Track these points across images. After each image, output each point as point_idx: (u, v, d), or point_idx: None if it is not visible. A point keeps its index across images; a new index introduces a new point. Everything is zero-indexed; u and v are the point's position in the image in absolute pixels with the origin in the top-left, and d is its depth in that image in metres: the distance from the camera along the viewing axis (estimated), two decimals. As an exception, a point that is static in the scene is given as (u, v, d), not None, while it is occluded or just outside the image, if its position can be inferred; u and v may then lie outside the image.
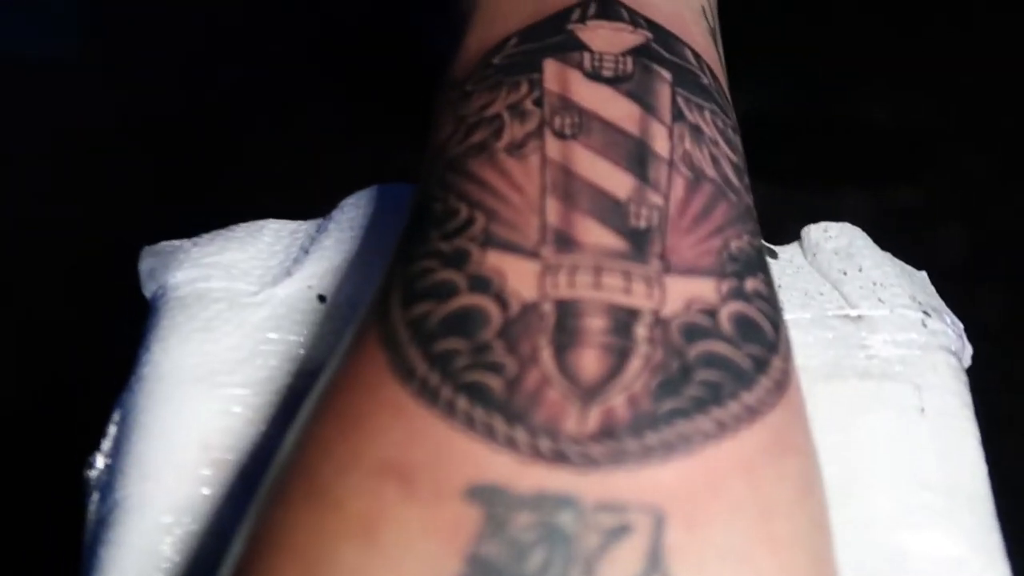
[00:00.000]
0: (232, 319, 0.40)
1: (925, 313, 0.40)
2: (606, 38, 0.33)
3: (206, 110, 0.92)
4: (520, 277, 0.26)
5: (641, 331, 0.26)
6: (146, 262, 0.43)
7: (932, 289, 0.43)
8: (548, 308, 0.26)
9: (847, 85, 0.96)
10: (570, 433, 0.24)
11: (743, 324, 0.27)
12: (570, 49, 0.32)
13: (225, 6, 0.96)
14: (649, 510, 0.24)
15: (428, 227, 0.29)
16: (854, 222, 0.45)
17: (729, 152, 0.31)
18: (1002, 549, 0.36)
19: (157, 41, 0.96)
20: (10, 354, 0.80)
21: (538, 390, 0.24)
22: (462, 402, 0.24)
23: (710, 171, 0.30)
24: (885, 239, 0.44)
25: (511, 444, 0.24)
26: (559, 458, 0.24)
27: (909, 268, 0.44)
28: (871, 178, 0.92)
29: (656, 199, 0.28)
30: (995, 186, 0.94)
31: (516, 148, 0.29)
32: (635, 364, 0.25)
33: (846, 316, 0.40)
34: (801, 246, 0.44)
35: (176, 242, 0.44)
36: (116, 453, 0.37)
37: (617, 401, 0.24)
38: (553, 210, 0.28)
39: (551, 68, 0.32)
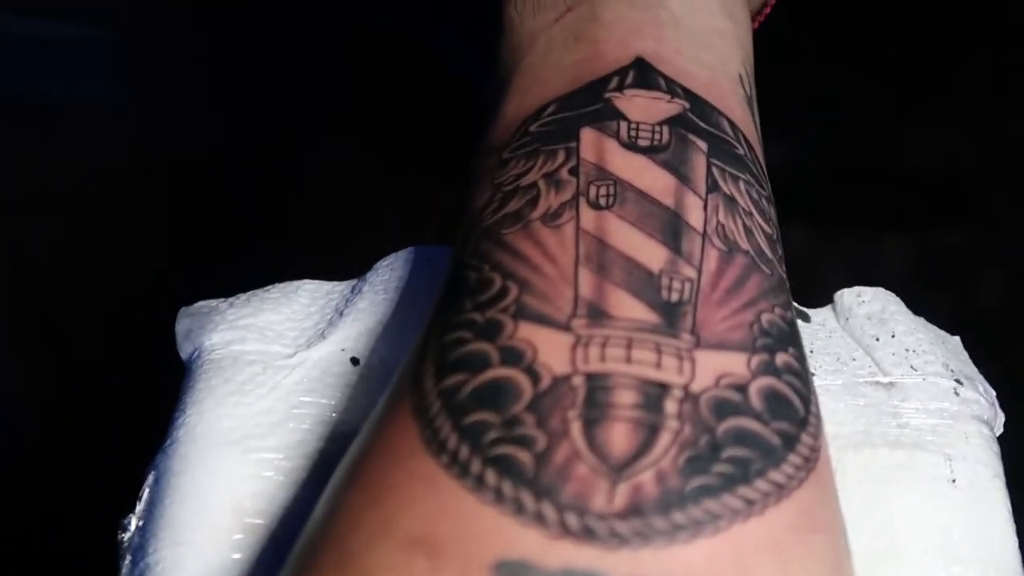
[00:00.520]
0: (266, 382, 0.40)
1: (958, 381, 0.40)
2: (643, 107, 0.33)
3: (244, 160, 0.93)
4: (551, 350, 0.27)
5: (671, 406, 0.26)
6: (182, 323, 0.43)
7: (965, 356, 0.43)
8: (579, 381, 0.26)
9: (890, 131, 0.96)
10: (598, 510, 0.24)
11: (773, 400, 0.27)
12: (607, 118, 0.32)
13: (260, 55, 0.97)
14: None
15: (462, 296, 0.29)
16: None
17: (763, 223, 0.32)
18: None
19: (193, 93, 0.97)
20: (48, 407, 0.81)
21: (567, 465, 0.25)
22: (491, 476, 0.25)
23: (743, 243, 0.30)
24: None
25: (539, 520, 0.24)
26: (587, 535, 0.24)
27: (943, 333, 0.43)
28: (913, 223, 0.92)
29: (689, 272, 0.29)
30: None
31: (551, 218, 0.30)
32: (664, 440, 0.25)
33: (878, 383, 0.40)
34: (834, 309, 0.44)
35: (212, 302, 0.44)
36: (149, 516, 0.37)
37: (646, 477, 0.24)
38: (586, 281, 0.28)
39: (588, 137, 0.32)
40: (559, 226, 0.30)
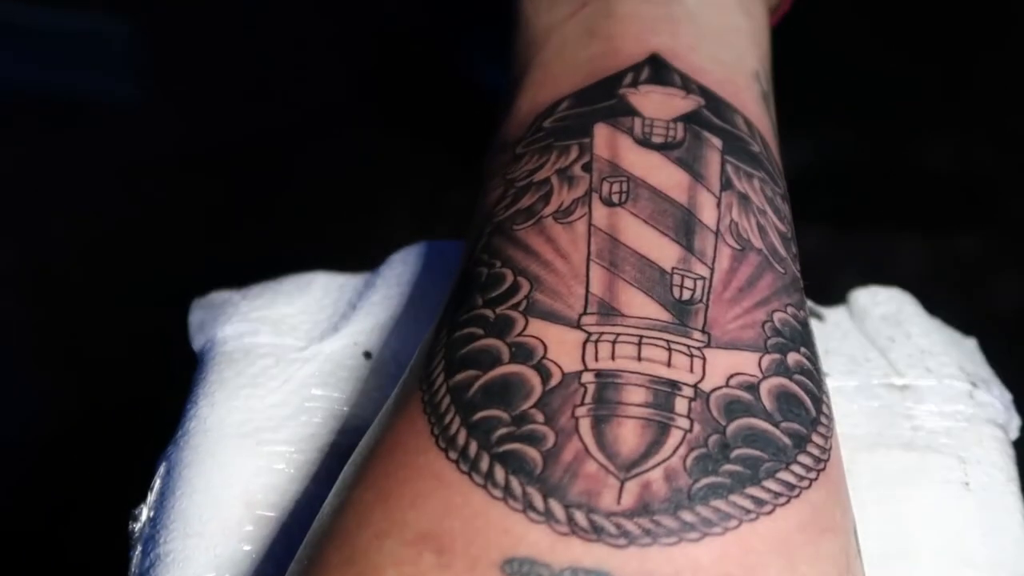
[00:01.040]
0: (278, 375, 0.40)
1: (973, 384, 0.40)
2: (658, 103, 0.33)
3: (258, 151, 0.93)
4: (562, 346, 0.27)
5: (681, 405, 0.26)
6: (195, 314, 0.43)
7: (981, 358, 0.43)
8: (588, 379, 0.26)
9: (907, 132, 0.95)
10: (606, 508, 0.24)
11: (784, 400, 0.27)
12: (621, 114, 0.32)
13: (277, 49, 0.97)
14: None
15: (474, 292, 0.29)
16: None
17: (777, 221, 0.32)
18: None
19: (210, 85, 0.97)
20: (60, 398, 0.81)
21: (575, 462, 0.25)
22: (500, 472, 0.25)
23: (757, 241, 0.30)
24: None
25: (547, 517, 0.24)
26: (595, 532, 0.24)
27: (959, 335, 0.43)
28: (930, 224, 0.91)
29: (701, 270, 0.29)
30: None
31: (563, 214, 0.30)
32: (674, 438, 0.25)
33: (892, 384, 0.40)
34: (849, 309, 0.44)
35: (225, 293, 0.44)
36: (160, 507, 0.37)
37: (654, 476, 0.25)
38: (597, 278, 0.28)
39: (601, 133, 0.32)
40: (571, 222, 0.30)
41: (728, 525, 0.24)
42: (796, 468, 0.26)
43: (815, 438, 0.27)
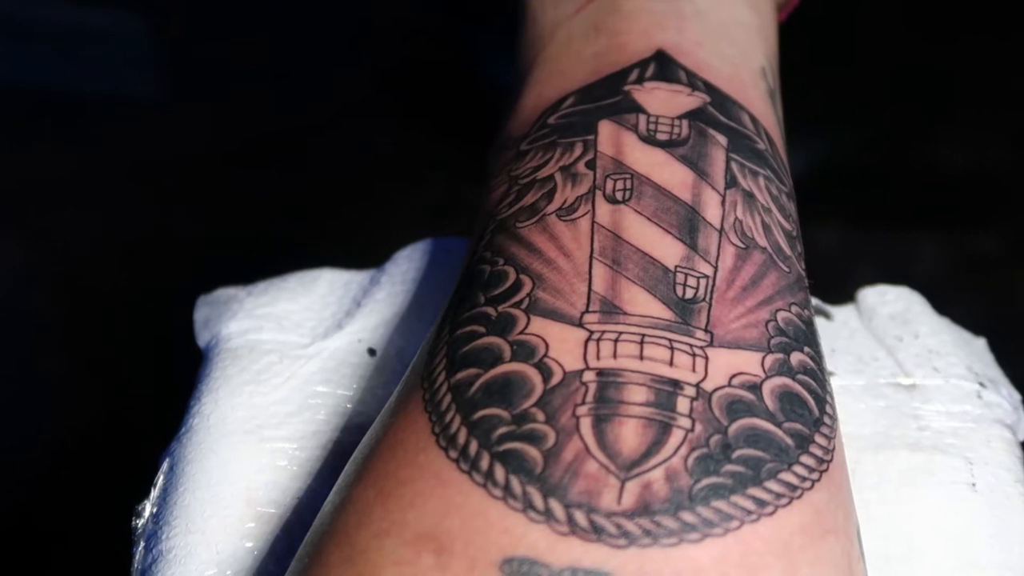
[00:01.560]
0: (282, 372, 0.40)
1: (981, 384, 0.40)
2: (663, 100, 0.33)
3: (273, 149, 0.93)
4: (564, 345, 0.27)
5: (683, 404, 0.26)
6: (201, 311, 0.43)
7: (991, 358, 0.43)
8: (590, 377, 0.26)
9: (924, 130, 0.95)
10: (606, 508, 0.24)
11: (786, 400, 0.27)
12: (625, 111, 0.32)
13: (293, 46, 0.97)
14: None
15: (476, 290, 0.29)
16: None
17: (782, 219, 0.31)
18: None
19: (224, 81, 0.97)
20: (67, 393, 0.82)
21: (576, 462, 0.24)
22: (500, 472, 0.24)
23: (761, 239, 0.30)
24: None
25: (547, 517, 0.24)
26: (595, 533, 0.24)
27: (968, 335, 0.43)
28: (947, 222, 0.91)
29: (704, 268, 0.28)
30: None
31: (567, 211, 0.30)
32: (675, 438, 0.25)
33: (899, 384, 0.40)
34: (857, 308, 0.44)
35: (231, 290, 0.44)
36: (163, 503, 0.37)
37: (655, 476, 0.24)
38: (600, 276, 0.28)
39: (606, 130, 0.32)
40: (574, 220, 0.29)
41: (729, 526, 0.24)
42: (798, 469, 0.26)
43: (818, 439, 0.27)
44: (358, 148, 0.92)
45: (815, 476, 0.26)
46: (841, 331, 0.43)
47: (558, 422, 0.25)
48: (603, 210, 0.30)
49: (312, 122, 0.94)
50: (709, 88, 0.34)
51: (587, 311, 0.27)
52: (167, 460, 0.38)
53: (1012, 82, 0.97)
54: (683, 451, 0.25)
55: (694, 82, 0.33)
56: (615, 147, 0.31)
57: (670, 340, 0.27)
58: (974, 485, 0.37)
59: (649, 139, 0.31)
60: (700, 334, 0.27)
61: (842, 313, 0.44)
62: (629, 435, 0.25)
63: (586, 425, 0.25)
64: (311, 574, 0.26)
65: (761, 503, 0.25)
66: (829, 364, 0.40)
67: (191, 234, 0.88)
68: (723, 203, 0.30)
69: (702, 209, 0.30)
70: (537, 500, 0.24)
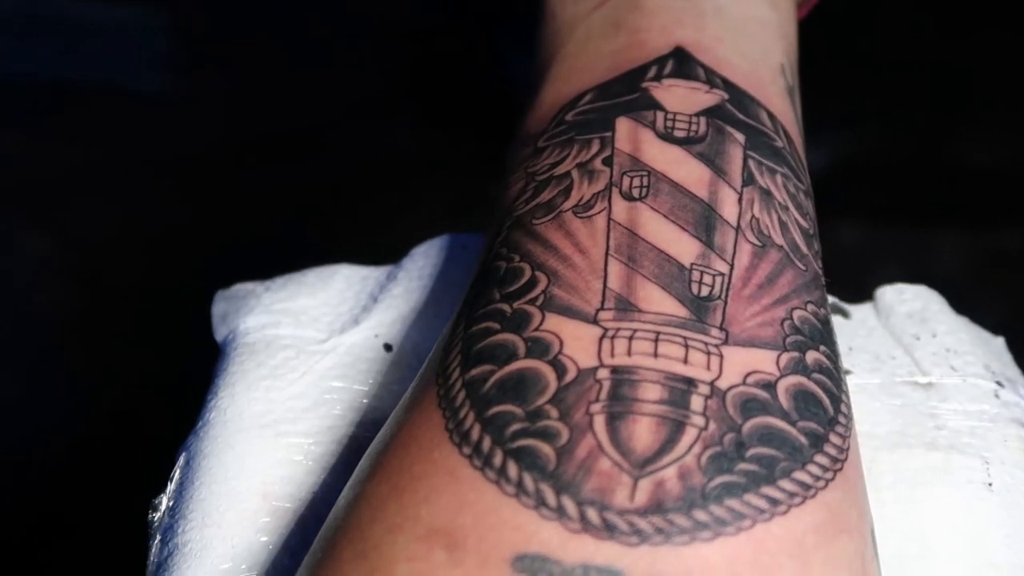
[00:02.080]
0: (299, 367, 0.40)
1: (999, 383, 0.39)
2: (681, 97, 0.33)
3: (291, 145, 0.93)
4: (578, 342, 0.27)
5: (697, 402, 0.25)
6: (219, 306, 0.44)
7: (1009, 357, 0.43)
8: (604, 375, 0.26)
9: (947, 126, 0.94)
10: (619, 505, 0.24)
11: (801, 398, 0.27)
12: (643, 108, 0.32)
13: (312, 41, 0.98)
14: None
15: (492, 286, 0.29)
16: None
17: (799, 218, 0.31)
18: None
19: (243, 76, 0.97)
20: (85, 387, 0.82)
21: (589, 459, 0.24)
22: (513, 468, 0.24)
23: (778, 238, 0.30)
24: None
25: (559, 514, 0.24)
26: (607, 530, 0.24)
27: (986, 334, 0.43)
28: (969, 220, 0.91)
29: (720, 266, 0.28)
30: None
31: (583, 208, 0.30)
32: (689, 436, 0.25)
33: (916, 383, 0.40)
34: (875, 306, 0.44)
35: (249, 285, 0.44)
36: (179, 497, 0.37)
37: (668, 474, 0.24)
38: (615, 273, 0.28)
39: (623, 127, 0.32)
40: (590, 216, 0.29)
41: (742, 525, 0.24)
42: (812, 468, 0.26)
43: (832, 438, 0.27)
44: (377, 144, 0.92)
45: (829, 475, 0.26)
46: (859, 329, 0.43)
47: (572, 419, 0.25)
48: (619, 207, 0.29)
49: (331, 118, 0.94)
50: (727, 85, 0.33)
51: (602, 308, 0.27)
52: (184, 454, 0.38)
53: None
54: (696, 449, 0.25)
55: (712, 79, 0.33)
56: (632, 144, 0.31)
57: (685, 338, 0.27)
58: (990, 485, 0.36)
59: (666, 136, 0.31)
60: (715, 332, 0.27)
61: (860, 311, 0.43)
62: (643, 433, 0.25)
63: (599, 422, 0.25)
64: (324, 568, 0.26)
65: (774, 502, 0.25)
66: (846, 362, 0.40)
67: (209, 228, 0.88)
68: (740, 201, 0.30)
69: (719, 207, 0.30)
70: (550, 497, 0.24)
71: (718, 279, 0.28)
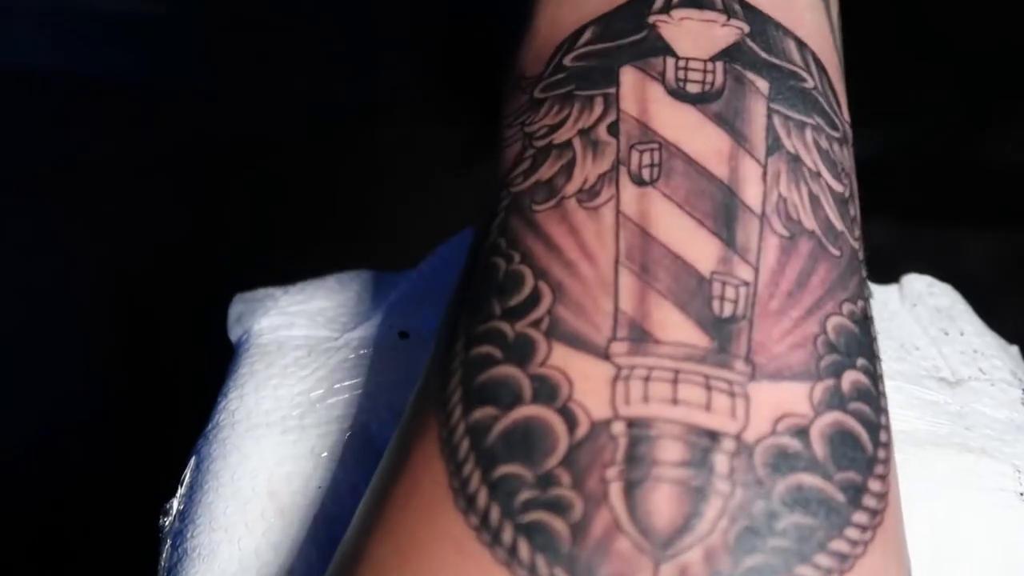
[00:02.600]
0: (309, 364, 0.38)
1: (1024, 391, 0.38)
2: (693, 34, 0.28)
3: (315, 142, 0.92)
4: (589, 384, 0.23)
5: (721, 463, 0.22)
6: (235, 307, 0.42)
7: None
8: (619, 430, 0.23)
9: (978, 125, 0.92)
10: None
11: (838, 441, 0.23)
12: (651, 54, 0.28)
13: (336, 39, 0.95)
14: None
15: (491, 293, 0.26)
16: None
17: (832, 181, 0.27)
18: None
19: (267, 74, 0.96)
20: (101, 389, 0.81)
21: (606, 538, 0.21)
22: (524, 548, 0.22)
23: (808, 220, 0.26)
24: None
25: None
26: None
27: (1003, 341, 0.40)
28: (998, 220, 0.88)
29: (744, 272, 0.25)
30: None
31: (588, 195, 0.26)
32: (714, 507, 0.22)
33: (943, 379, 0.37)
34: (900, 292, 0.41)
35: (268, 289, 0.43)
36: (188, 501, 0.36)
37: (693, 557, 0.21)
38: (627, 290, 0.24)
39: (629, 81, 0.27)
40: (597, 208, 0.26)
41: None
42: (850, 532, 0.22)
43: (871, 484, 0.23)
44: (404, 143, 0.91)
45: (868, 536, 0.23)
46: (881, 312, 0.40)
47: (585, 488, 0.22)
48: (628, 195, 0.26)
49: (353, 116, 0.92)
50: (747, 10, 0.28)
51: (614, 338, 0.24)
52: (194, 457, 0.37)
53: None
54: (723, 524, 0.22)
55: (730, 6, 0.28)
56: (640, 104, 0.27)
57: (706, 376, 0.23)
58: (1022, 495, 0.35)
59: (678, 92, 0.27)
60: (740, 366, 0.23)
61: (882, 293, 0.41)
62: (663, 504, 0.22)
63: (616, 491, 0.22)
64: None
65: None
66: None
67: (229, 232, 0.88)
68: (764, 176, 0.26)
69: (740, 188, 0.26)
70: None
71: (742, 291, 0.24)
